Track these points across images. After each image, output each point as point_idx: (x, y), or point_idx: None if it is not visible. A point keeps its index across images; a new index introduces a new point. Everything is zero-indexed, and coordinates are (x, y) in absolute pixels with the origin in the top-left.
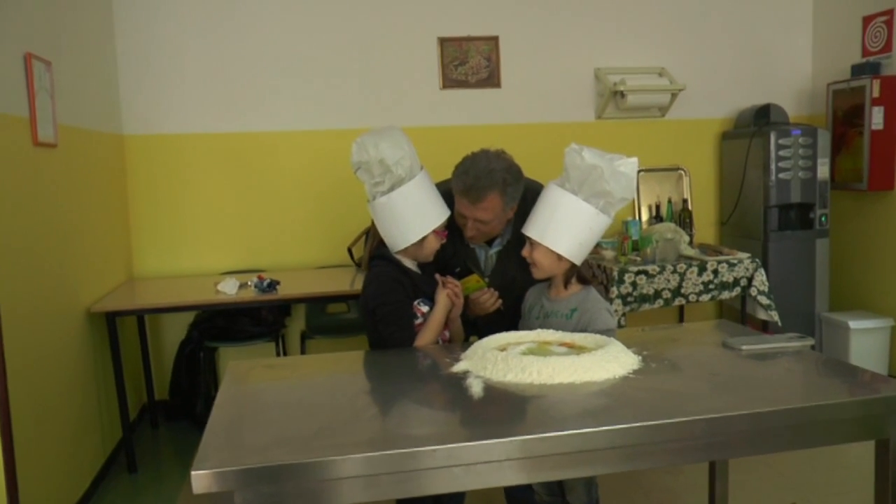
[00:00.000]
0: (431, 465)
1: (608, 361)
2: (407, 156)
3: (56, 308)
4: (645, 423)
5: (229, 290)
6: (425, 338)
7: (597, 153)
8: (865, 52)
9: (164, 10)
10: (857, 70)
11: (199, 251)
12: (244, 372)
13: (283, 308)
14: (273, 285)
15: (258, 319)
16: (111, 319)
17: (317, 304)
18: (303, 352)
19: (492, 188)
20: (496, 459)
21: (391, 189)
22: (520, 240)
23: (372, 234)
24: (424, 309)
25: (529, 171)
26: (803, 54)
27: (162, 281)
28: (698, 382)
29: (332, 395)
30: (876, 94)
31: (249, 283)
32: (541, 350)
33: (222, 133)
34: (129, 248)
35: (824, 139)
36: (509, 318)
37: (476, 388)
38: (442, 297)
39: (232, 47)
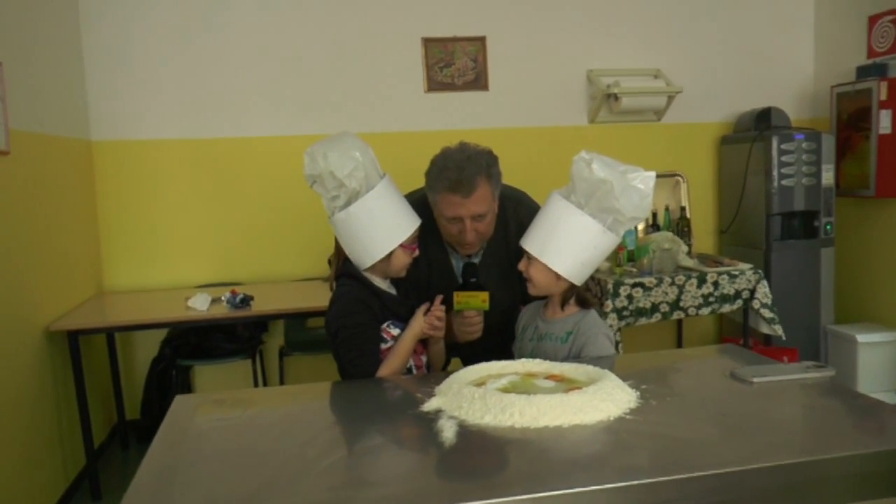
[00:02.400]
0: None
1: (601, 400)
2: (360, 166)
3: (7, 327)
4: (644, 481)
5: (200, 305)
6: (390, 366)
7: (608, 164)
8: (871, 54)
9: (134, 11)
10: (863, 72)
11: (173, 263)
12: (191, 408)
13: (260, 324)
14: (246, 301)
15: (233, 336)
16: (73, 338)
17: (295, 319)
18: (281, 369)
19: (479, 173)
20: None
21: (347, 204)
22: (499, 250)
23: (337, 251)
24: (395, 332)
25: (519, 178)
26: (805, 55)
27: (133, 295)
28: (705, 425)
29: (283, 440)
30: (883, 96)
31: (222, 298)
32: (525, 385)
33: (196, 139)
34: (98, 261)
35: (828, 144)
36: (491, 340)
37: (448, 432)
38: (416, 324)
39: (205, 49)
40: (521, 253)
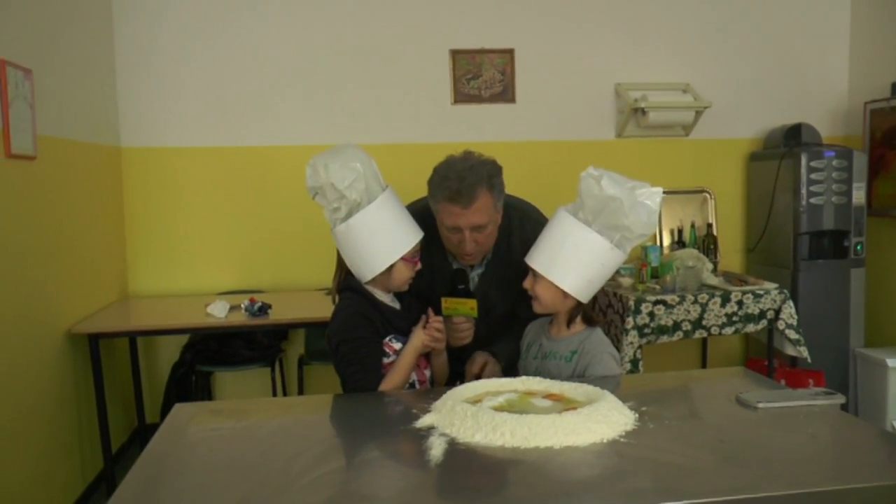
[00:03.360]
0: None
1: (596, 422)
2: (361, 177)
3: (29, 329)
4: None
5: (218, 312)
6: (391, 381)
7: (616, 181)
8: None
9: (165, 21)
10: None
11: (197, 270)
12: (187, 417)
13: (281, 332)
14: (264, 309)
15: (253, 343)
16: (93, 341)
17: (314, 328)
18: (300, 378)
19: (479, 183)
20: None
21: (348, 216)
22: (501, 262)
23: (339, 264)
24: (397, 346)
25: (545, 191)
26: (839, 71)
27: (156, 300)
28: (701, 451)
29: (270, 453)
30: None
31: (241, 305)
32: (521, 403)
33: (223, 147)
34: (124, 266)
35: (860, 162)
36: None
37: (436, 450)
38: (417, 338)
39: (234, 59)
40: (524, 266)
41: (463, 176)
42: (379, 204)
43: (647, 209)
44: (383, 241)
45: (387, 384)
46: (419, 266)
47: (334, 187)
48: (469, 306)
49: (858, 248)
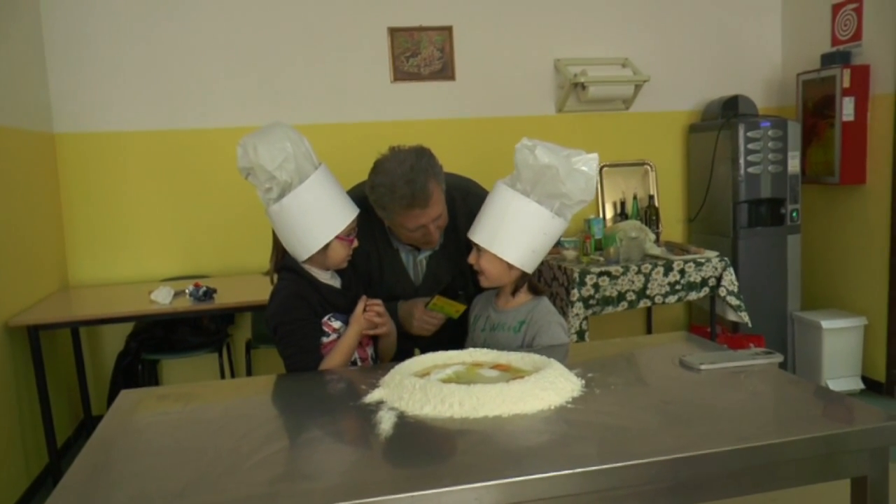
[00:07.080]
0: None
1: (543, 389)
2: (291, 158)
3: None
4: (578, 470)
5: (162, 299)
6: (331, 361)
7: (551, 150)
8: (835, 41)
9: (96, 2)
10: (827, 59)
11: (139, 257)
12: (133, 403)
13: (227, 316)
14: (209, 293)
15: (199, 329)
16: (33, 333)
17: (261, 311)
18: (248, 362)
19: (427, 179)
20: None
21: (280, 196)
22: (450, 241)
23: (275, 244)
24: (337, 325)
25: (486, 169)
26: (772, 44)
27: (98, 289)
28: (647, 413)
29: (219, 434)
30: (846, 83)
31: (186, 290)
32: (469, 375)
33: (161, 130)
34: (63, 255)
35: (794, 131)
36: (448, 331)
37: (386, 423)
38: (357, 324)
39: (169, 39)
40: (471, 245)
41: (410, 179)
42: (311, 183)
43: (585, 175)
44: (317, 221)
45: (326, 365)
46: (355, 244)
47: (264, 168)
48: (455, 309)
49: (794, 214)
